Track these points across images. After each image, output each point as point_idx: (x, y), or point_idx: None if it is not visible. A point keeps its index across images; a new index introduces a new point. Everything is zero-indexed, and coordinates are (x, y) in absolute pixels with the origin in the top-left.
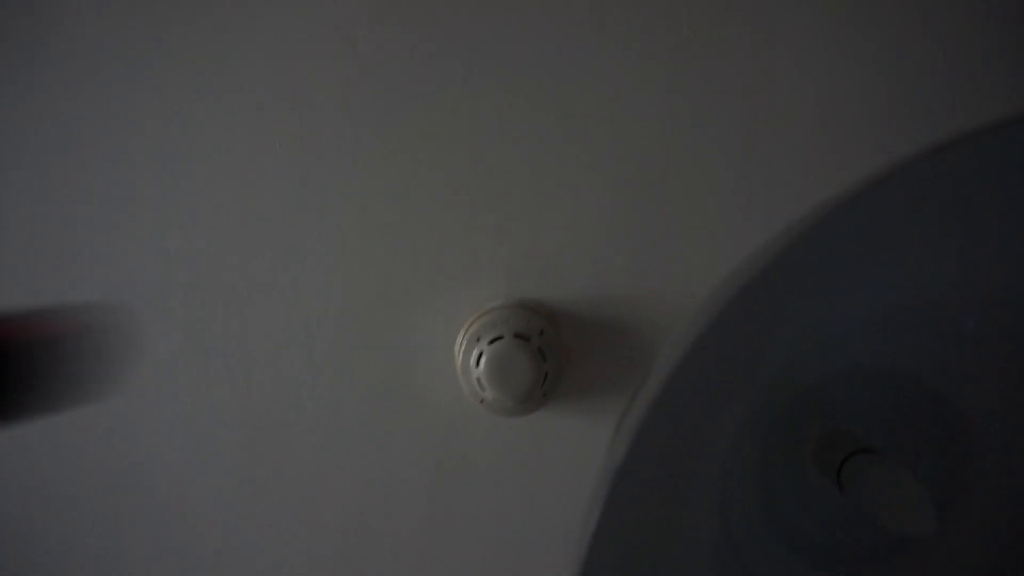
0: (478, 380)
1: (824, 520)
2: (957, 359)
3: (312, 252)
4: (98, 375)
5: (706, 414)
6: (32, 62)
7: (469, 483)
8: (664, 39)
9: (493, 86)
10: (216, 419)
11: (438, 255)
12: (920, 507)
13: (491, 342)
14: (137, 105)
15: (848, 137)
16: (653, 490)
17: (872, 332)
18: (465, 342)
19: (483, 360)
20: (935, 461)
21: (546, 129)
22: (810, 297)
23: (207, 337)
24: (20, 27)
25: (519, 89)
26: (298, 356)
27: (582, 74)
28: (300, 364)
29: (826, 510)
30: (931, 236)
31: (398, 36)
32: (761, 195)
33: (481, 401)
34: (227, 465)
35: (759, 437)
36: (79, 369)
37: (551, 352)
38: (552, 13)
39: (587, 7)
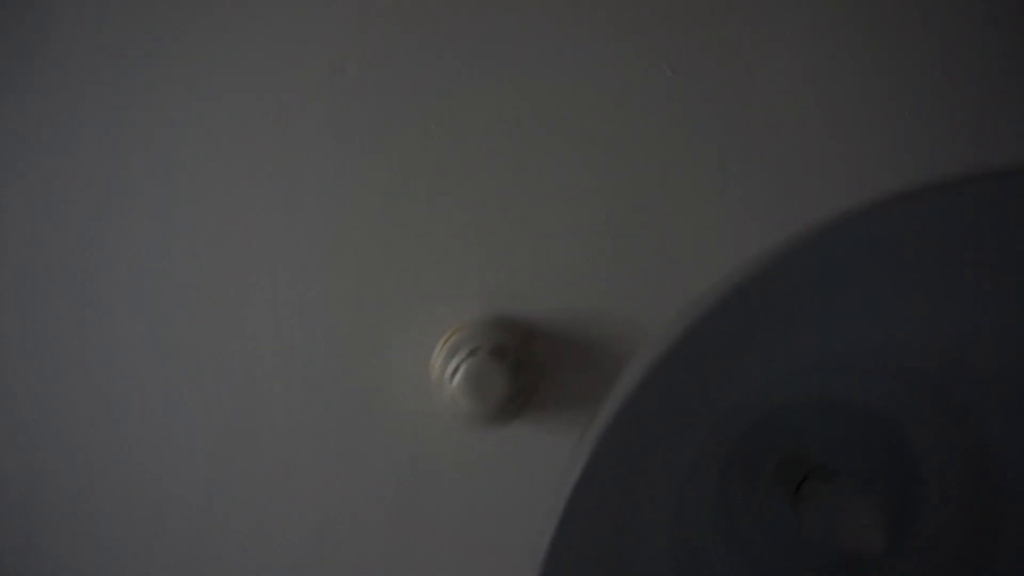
0: (453, 392)
1: (781, 539)
2: (909, 396)
3: (292, 260)
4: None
5: (664, 435)
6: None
7: (440, 493)
8: (646, 69)
9: (476, 109)
10: (186, 421)
11: (417, 268)
12: (870, 527)
13: (467, 355)
14: (127, 115)
15: (835, 153)
16: (609, 506)
17: (832, 367)
18: (441, 356)
19: (459, 372)
20: (887, 486)
21: (528, 151)
22: (773, 329)
23: (181, 338)
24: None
25: (501, 114)
26: (272, 362)
27: (563, 99)
28: (273, 370)
29: (783, 529)
30: (894, 281)
31: (385, 60)
32: (737, 224)
33: (454, 415)
34: (195, 468)
35: (719, 458)
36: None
37: (526, 367)
38: (536, 44)
39: (570, 22)
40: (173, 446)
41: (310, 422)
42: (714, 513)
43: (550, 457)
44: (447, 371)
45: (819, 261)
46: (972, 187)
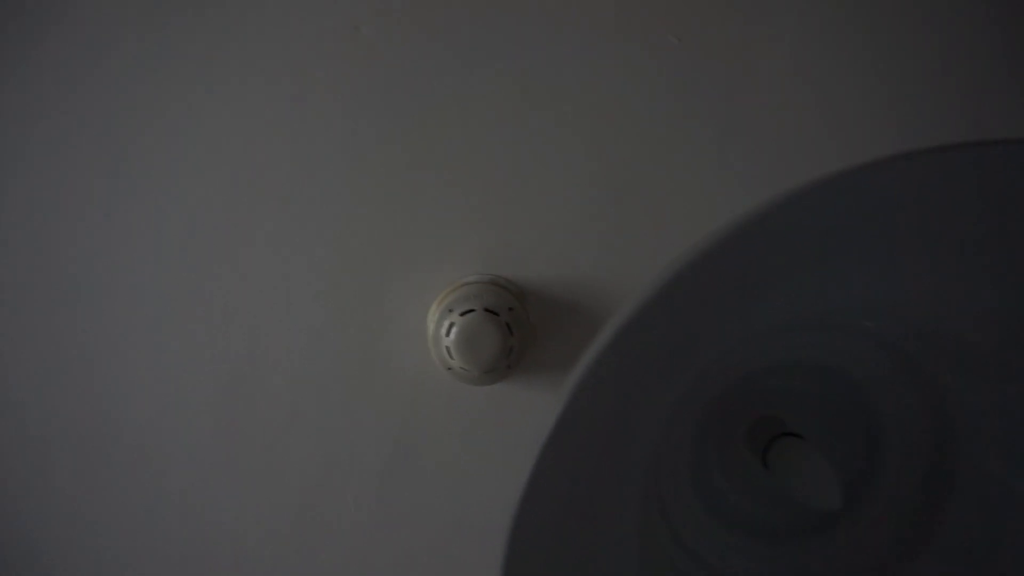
0: (447, 349)
1: (749, 494)
2: (881, 363)
3: (299, 218)
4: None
5: (641, 391)
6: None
7: (431, 444)
8: (656, 40)
9: (484, 80)
10: (192, 367)
11: (418, 230)
12: (829, 485)
13: (462, 314)
14: (144, 78)
15: (832, 138)
16: (585, 454)
17: (803, 330)
18: (438, 313)
19: (454, 330)
20: (852, 448)
21: (529, 122)
22: (749, 290)
23: (191, 286)
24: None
25: (509, 84)
26: (276, 314)
27: (569, 73)
28: (277, 322)
29: (751, 485)
30: (872, 252)
31: (400, 26)
32: (729, 195)
33: (448, 369)
34: (199, 413)
35: (694, 418)
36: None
37: (518, 328)
38: (547, 14)
39: (582, 7)
40: (179, 390)
41: (311, 372)
42: (688, 470)
43: (538, 414)
44: (442, 328)
45: (798, 227)
46: (950, 158)
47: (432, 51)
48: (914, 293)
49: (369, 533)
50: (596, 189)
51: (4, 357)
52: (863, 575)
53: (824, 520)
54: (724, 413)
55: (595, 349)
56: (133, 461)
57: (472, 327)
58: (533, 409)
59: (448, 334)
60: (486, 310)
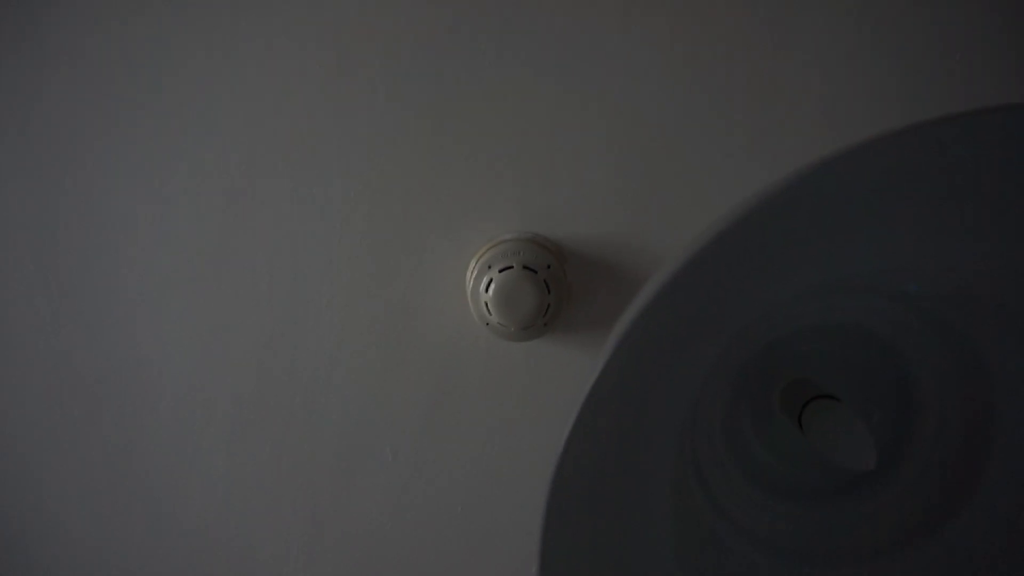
0: (486, 304)
1: (783, 456)
2: (913, 323)
3: (344, 174)
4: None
5: (676, 353)
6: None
7: (467, 396)
8: (687, 31)
9: (524, 48)
10: (236, 317)
11: (458, 188)
12: (864, 446)
13: (501, 270)
14: (180, 41)
15: (856, 120)
16: (624, 411)
17: (837, 293)
18: (477, 268)
19: (492, 286)
20: (886, 410)
21: (568, 89)
22: (781, 254)
23: (236, 243)
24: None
25: (546, 57)
26: (318, 268)
27: (606, 48)
28: (320, 273)
29: (786, 447)
30: (901, 212)
31: (444, 14)
32: (766, 155)
33: (486, 324)
34: (243, 362)
35: (729, 380)
36: None
37: (555, 286)
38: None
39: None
40: (227, 342)
41: (352, 325)
42: (723, 431)
43: (573, 373)
44: (481, 283)
45: (828, 191)
46: (976, 121)
47: (475, 28)
48: (955, 257)
49: (405, 482)
50: (634, 151)
51: (51, 314)
52: (897, 537)
53: (859, 482)
54: (759, 375)
55: (632, 312)
56: (178, 407)
57: (510, 283)
58: (568, 366)
59: (487, 290)
60: (524, 267)
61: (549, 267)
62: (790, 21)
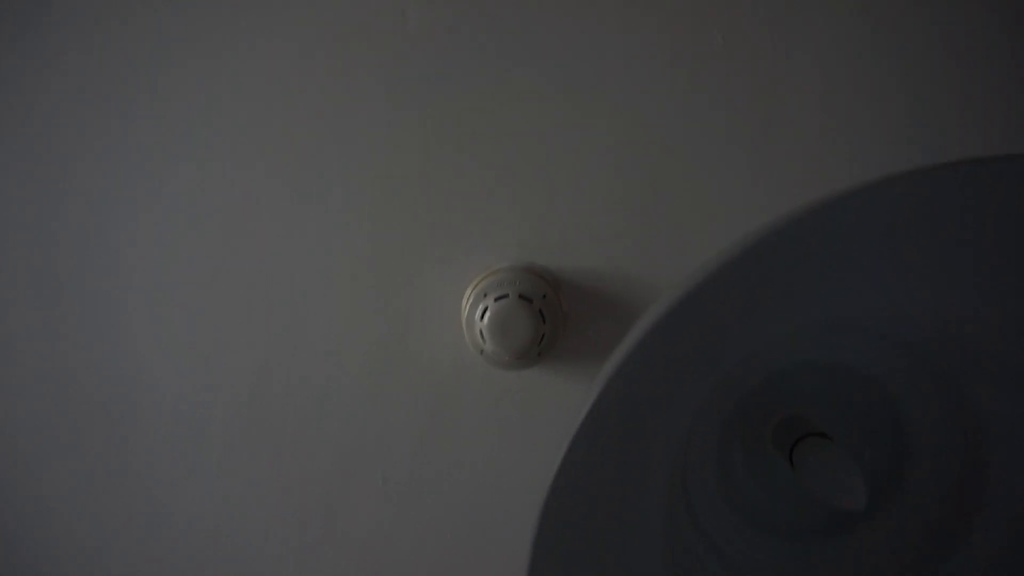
0: (480, 332)
1: (773, 491)
2: (907, 367)
3: (342, 198)
4: None
5: (669, 388)
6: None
7: (460, 424)
8: (689, 44)
9: (524, 73)
10: (230, 345)
11: (456, 217)
12: (853, 486)
13: (497, 299)
14: (180, 44)
15: (854, 142)
16: (616, 443)
17: (834, 332)
18: (472, 296)
19: (487, 314)
20: (878, 450)
21: (567, 117)
22: (778, 293)
23: (231, 268)
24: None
25: (547, 78)
26: (315, 291)
27: (606, 71)
28: (316, 299)
29: (776, 483)
30: (897, 258)
31: (444, 15)
32: (763, 192)
33: (481, 352)
34: (236, 388)
35: (723, 414)
36: None
37: (551, 315)
38: (585, 12)
39: (619, 9)
40: (220, 368)
41: (347, 351)
42: (714, 468)
43: (567, 402)
44: (476, 312)
45: (827, 233)
46: (972, 171)
47: (474, 42)
48: (952, 304)
49: (397, 508)
50: (632, 183)
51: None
52: (898, 567)
53: (848, 521)
54: (752, 410)
55: (628, 344)
56: (170, 430)
57: (506, 312)
58: (562, 396)
59: (482, 318)
60: (520, 296)
61: (544, 296)
62: (790, 21)
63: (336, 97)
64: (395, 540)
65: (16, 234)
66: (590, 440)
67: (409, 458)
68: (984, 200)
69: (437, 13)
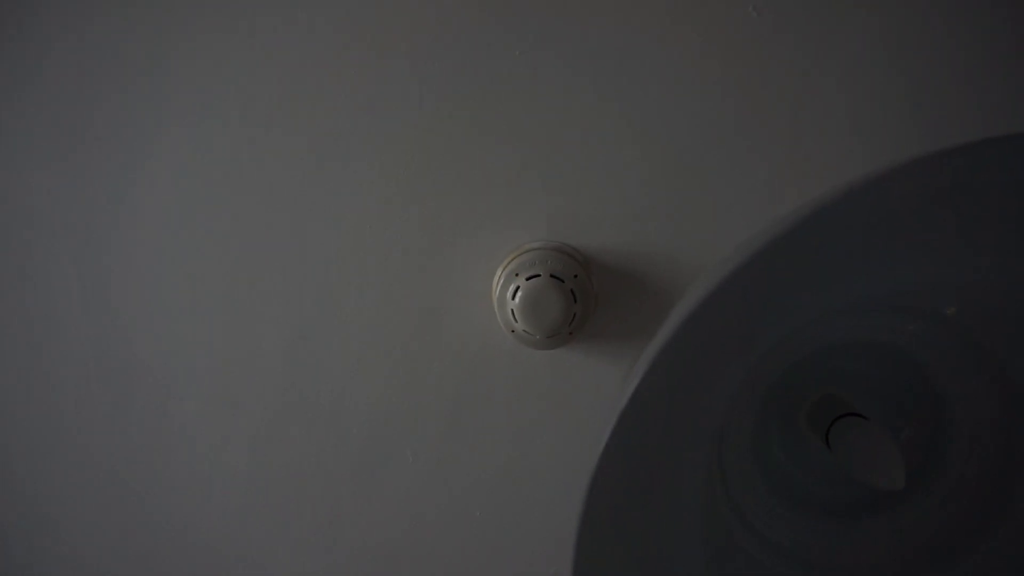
0: (512, 312)
1: (809, 471)
2: (940, 340)
3: (371, 181)
4: None
5: (710, 367)
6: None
7: (490, 402)
8: (721, 22)
9: (554, 55)
10: (265, 317)
11: (488, 196)
12: (893, 465)
13: (528, 278)
14: (209, 35)
15: (884, 121)
16: (656, 426)
17: (869, 311)
18: (504, 276)
19: (519, 294)
20: (916, 428)
21: (598, 97)
22: (811, 274)
23: (268, 243)
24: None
25: (576, 62)
26: (349, 272)
27: (636, 52)
28: (348, 278)
29: (812, 463)
30: (930, 233)
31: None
32: (794, 171)
33: (512, 331)
34: (271, 360)
35: (759, 394)
36: None
37: (582, 295)
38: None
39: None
40: (255, 340)
41: (380, 328)
42: (751, 445)
43: (596, 383)
44: (508, 291)
45: (856, 213)
46: (1000, 145)
47: (507, 28)
48: (987, 276)
49: (424, 484)
50: (663, 163)
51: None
52: (925, 556)
53: (886, 500)
54: (789, 391)
55: (670, 326)
56: (209, 395)
57: (537, 291)
58: (592, 375)
59: (513, 297)
60: (552, 276)
61: (576, 276)
62: (818, 42)
63: (370, 79)
64: (424, 516)
65: (52, 225)
66: (633, 421)
67: (440, 436)
68: (1006, 171)
69: (472, 24)
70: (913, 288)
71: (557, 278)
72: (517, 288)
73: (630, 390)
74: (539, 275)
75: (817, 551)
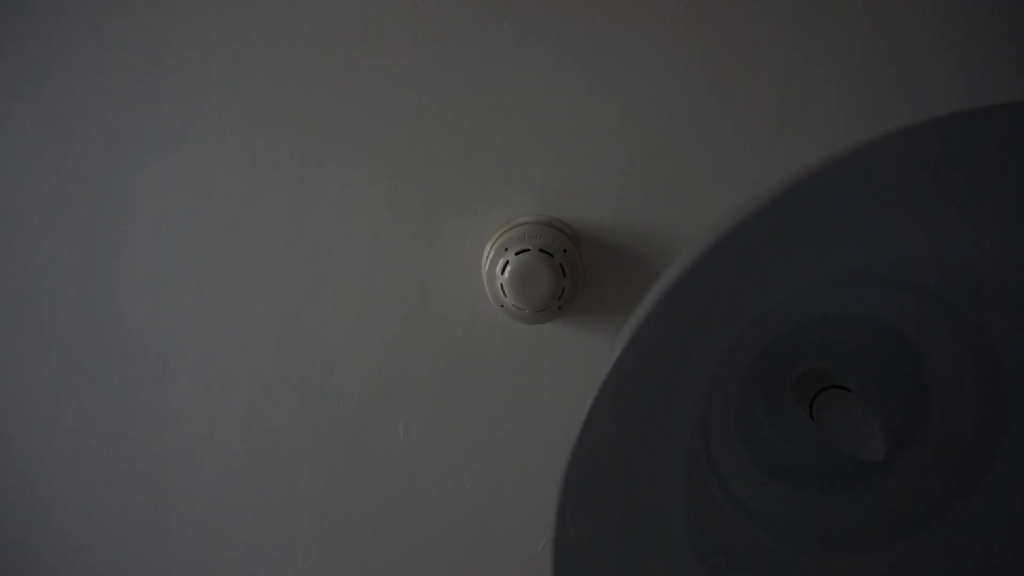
0: (501, 286)
1: (794, 443)
2: (925, 314)
3: (361, 154)
4: None
5: (694, 337)
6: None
7: (480, 377)
8: (709, 21)
9: (547, 38)
10: (254, 294)
11: (477, 171)
12: (874, 436)
13: (518, 253)
14: (208, 15)
15: (878, 93)
16: (640, 396)
17: (852, 283)
18: (493, 251)
19: (508, 268)
20: (898, 399)
21: (587, 72)
22: (795, 245)
23: (254, 218)
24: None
25: (568, 42)
26: (336, 247)
27: (622, 25)
28: (337, 252)
29: (797, 435)
30: (912, 204)
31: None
32: (785, 143)
33: (501, 306)
34: (261, 337)
35: (743, 369)
36: None
37: (571, 269)
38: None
39: None
40: (244, 317)
41: (369, 304)
42: (736, 418)
43: (586, 356)
44: (497, 266)
45: (846, 182)
46: (988, 117)
47: (497, 6)
48: (970, 247)
49: (415, 459)
50: (652, 138)
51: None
52: (904, 524)
53: (869, 470)
54: (772, 364)
55: (651, 299)
56: (202, 371)
57: (526, 266)
58: (581, 349)
59: (503, 272)
60: (541, 250)
61: (565, 251)
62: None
63: (362, 55)
64: (417, 488)
65: (42, 199)
66: (616, 392)
67: (431, 411)
68: (997, 141)
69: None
70: (901, 260)
71: (546, 252)
72: (506, 263)
73: (612, 360)
74: (528, 249)
75: (794, 520)
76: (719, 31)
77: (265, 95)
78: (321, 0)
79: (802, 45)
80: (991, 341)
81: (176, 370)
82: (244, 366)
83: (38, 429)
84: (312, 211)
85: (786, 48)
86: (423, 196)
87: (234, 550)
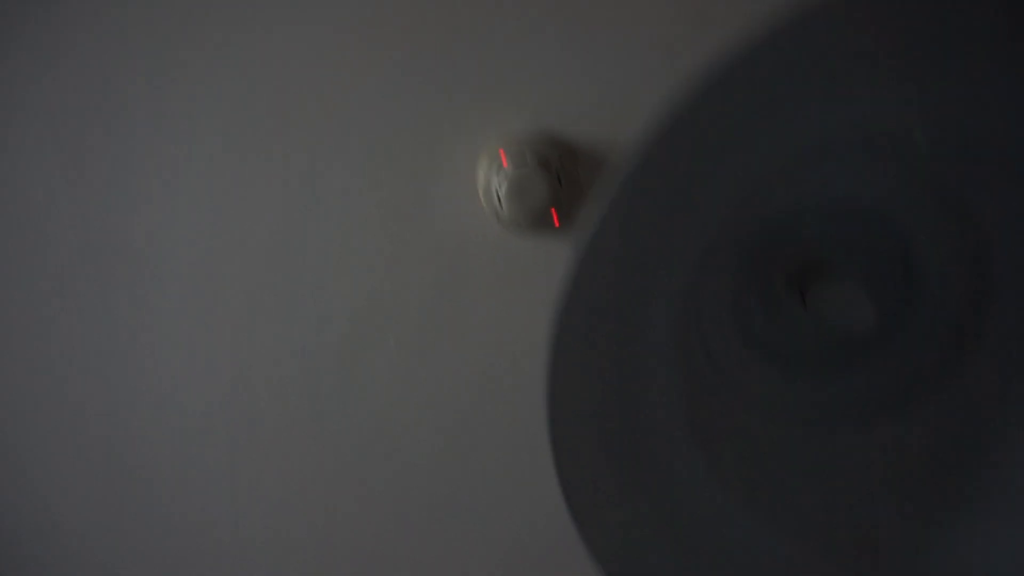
0: (497, 197)
1: (791, 335)
2: (911, 191)
3: (353, 64)
4: None
5: (669, 223)
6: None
7: (476, 290)
8: None
9: None
10: (248, 206)
11: (473, 80)
12: (862, 310)
13: (515, 164)
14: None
15: None
16: (616, 291)
17: (830, 157)
18: (489, 163)
19: (505, 180)
20: (887, 282)
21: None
22: (767, 111)
23: (253, 123)
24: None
25: None
26: (327, 156)
27: None
28: (329, 162)
29: (790, 321)
30: (893, 63)
31: None
32: None
33: (497, 217)
34: (249, 248)
35: (734, 266)
36: None
37: (568, 182)
38: None
39: None
40: (230, 226)
41: (361, 213)
42: (731, 318)
43: None
44: (494, 177)
45: (814, 41)
46: None
47: None
48: (941, 109)
49: (408, 371)
50: (653, 46)
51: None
52: (903, 395)
53: (861, 347)
54: (763, 260)
55: (616, 178)
56: (184, 293)
57: (524, 177)
58: None
59: (499, 183)
60: (539, 162)
61: (563, 163)
62: None
63: None
64: (409, 402)
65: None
66: (591, 280)
67: (424, 323)
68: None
69: None
70: (873, 128)
71: (544, 164)
72: (504, 175)
73: (586, 236)
74: (526, 161)
75: (787, 400)
76: None
77: (258, 30)
78: None
79: None
80: (975, 210)
81: (165, 280)
82: (235, 279)
83: (22, 336)
84: (302, 120)
85: None
86: (418, 106)
87: (218, 462)
